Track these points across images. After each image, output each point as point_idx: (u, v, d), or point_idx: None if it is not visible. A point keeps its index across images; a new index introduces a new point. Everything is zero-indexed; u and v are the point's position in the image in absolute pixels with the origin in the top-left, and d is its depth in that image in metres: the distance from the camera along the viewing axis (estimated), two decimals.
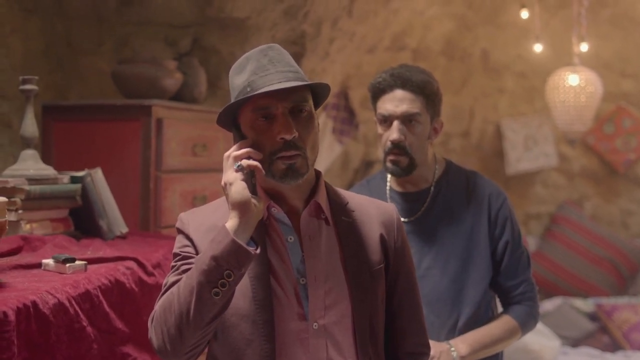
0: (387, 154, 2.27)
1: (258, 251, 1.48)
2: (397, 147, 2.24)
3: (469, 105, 5.67)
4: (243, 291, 1.55)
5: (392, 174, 2.30)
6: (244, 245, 1.44)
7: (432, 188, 2.34)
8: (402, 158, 2.25)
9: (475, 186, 2.35)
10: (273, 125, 1.54)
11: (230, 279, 1.44)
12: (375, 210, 1.72)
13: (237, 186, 1.48)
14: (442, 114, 2.34)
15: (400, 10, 4.68)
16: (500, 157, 5.65)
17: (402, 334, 1.73)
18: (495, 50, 5.59)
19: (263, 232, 1.59)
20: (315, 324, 1.57)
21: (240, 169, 1.50)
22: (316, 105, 1.64)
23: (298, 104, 1.55)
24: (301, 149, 1.54)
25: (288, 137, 1.52)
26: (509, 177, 5.61)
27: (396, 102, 2.24)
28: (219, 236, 1.46)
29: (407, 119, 2.23)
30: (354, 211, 1.68)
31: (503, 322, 2.29)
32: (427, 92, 2.24)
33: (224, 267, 1.44)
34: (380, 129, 2.30)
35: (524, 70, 5.60)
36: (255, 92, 1.51)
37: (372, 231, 1.68)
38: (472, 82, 5.64)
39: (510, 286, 2.31)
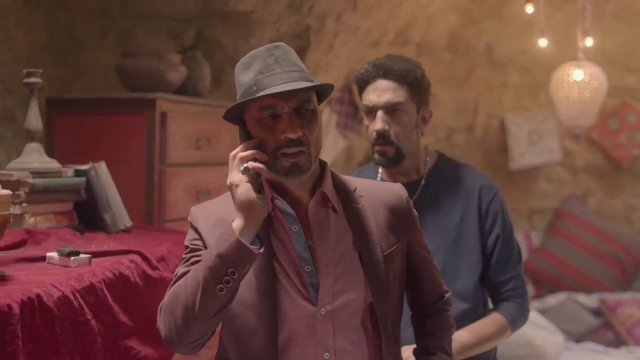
0: (373, 144, 2.26)
1: (262, 250, 1.54)
2: (382, 137, 2.23)
3: (473, 99, 5.65)
4: (248, 282, 1.59)
5: (380, 164, 2.29)
6: (248, 245, 1.49)
7: (422, 180, 2.32)
8: (388, 148, 2.24)
9: (466, 179, 2.32)
10: (278, 124, 1.58)
11: (235, 276, 1.50)
12: (383, 193, 1.75)
13: (243, 188, 1.53)
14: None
15: (404, 3, 4.66)
16: (504, 152, 5.64)
17: (423, 295, 1.83)
18: (500, 44, 5.57)
19: (267, 223, 1.62)
20: (323, 309, 1.60)
21: (246, 171, 1.54)
22: (319, 100, 1.67)
23: (302, 103, 1.58)
24: (305, 144, 1.58)
25: (293, 136, 1.56)
26: (513, 171, 5.59)
27: (379, 92, 2.22)
28: (225, 235, 1.51)
29: (390, 109, 2.22)
30: (362, 196, 1.71)
31: (493, 321, 2.26)
32: (409, 81, 2.22)
33: (229, 265, 1.49)
34: (366, 120, 2.29)
35: (529, 65, 5.58)
36: (262, 93, 1.55)
37: (382, 214, 1.71)
38: (476, 76, 5.62)
39: (500, 282, 2.28)
